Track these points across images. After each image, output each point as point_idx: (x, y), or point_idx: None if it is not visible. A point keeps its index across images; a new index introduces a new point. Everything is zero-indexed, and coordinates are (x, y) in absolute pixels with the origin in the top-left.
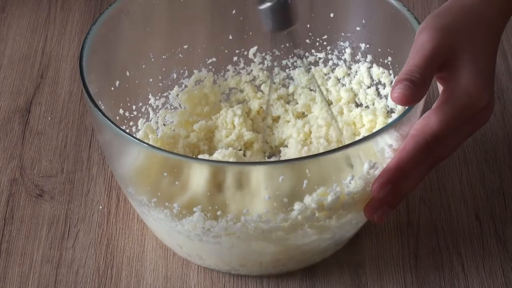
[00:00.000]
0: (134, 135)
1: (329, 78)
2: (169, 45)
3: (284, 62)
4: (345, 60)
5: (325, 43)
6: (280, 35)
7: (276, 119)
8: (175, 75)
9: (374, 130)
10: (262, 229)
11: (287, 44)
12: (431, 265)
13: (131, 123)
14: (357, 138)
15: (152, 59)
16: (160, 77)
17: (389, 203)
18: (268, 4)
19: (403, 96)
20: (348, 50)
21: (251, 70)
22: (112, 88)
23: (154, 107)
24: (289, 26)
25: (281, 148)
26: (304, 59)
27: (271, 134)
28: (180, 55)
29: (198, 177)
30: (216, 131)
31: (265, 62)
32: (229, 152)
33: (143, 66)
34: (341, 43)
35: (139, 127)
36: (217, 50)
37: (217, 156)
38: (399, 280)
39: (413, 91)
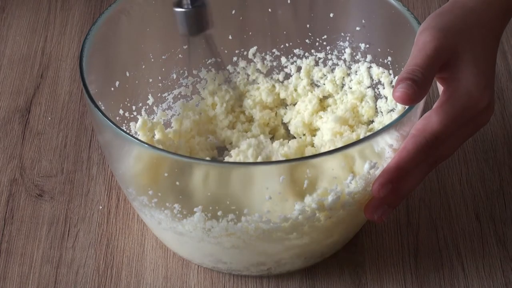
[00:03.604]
0: (134, 135)
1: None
2: (169, 45)
3: (284, 61)
4: (344, 60)
5: (325, 43)
6: (195, 39)
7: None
8: (174, 76)
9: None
10: (262, 229)
11: (202, 49)
12: (431, 265)
13: (131, 123)
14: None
15: (152, 60)
16: (160, 77)
17: (389, 203)
18: (182, 9)
19: (405, 96)
20: (348, 50)
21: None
22: (112, 89)
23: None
24: (202, 31)
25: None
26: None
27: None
28: (180, 55)
29: (198, 177)
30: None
31: (265, 62)
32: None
33: (143, 66)
34: (341, 43)
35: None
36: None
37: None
38: (399, 280)
39: (415, 91)
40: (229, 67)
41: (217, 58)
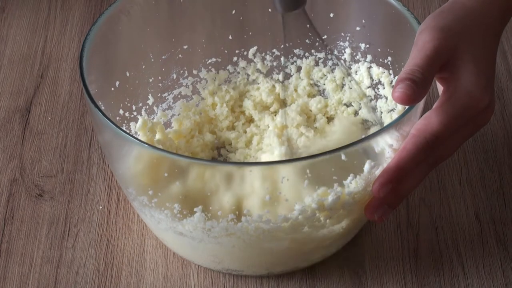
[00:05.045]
0: (134, 135)
1: (327, 78)
2: (169, 46)
3: (284, 61)
4: (345, 60)
5: (325, 43)
6: (289, 18)
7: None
8: (174, 76)
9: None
10: (262, 229)
11: (297, 28)
12: (431, 265)
13: (131, 123)
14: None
15: (152, 60)
16: (160, 78)
17: (389, 203)
18: None
19: (404, 96)
20: (348, 50)
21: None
22: (112, 89)
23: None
24: (295, 8)
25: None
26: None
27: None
28: (180, 55)
29: (197, 177)
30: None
31: (265, 62)
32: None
33: (143, 66)
34: (341, 43)
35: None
36: (217, 50)
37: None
38: (399, 280)
39: (415, 91)
40: (229, 67)
41: (315, 37)
